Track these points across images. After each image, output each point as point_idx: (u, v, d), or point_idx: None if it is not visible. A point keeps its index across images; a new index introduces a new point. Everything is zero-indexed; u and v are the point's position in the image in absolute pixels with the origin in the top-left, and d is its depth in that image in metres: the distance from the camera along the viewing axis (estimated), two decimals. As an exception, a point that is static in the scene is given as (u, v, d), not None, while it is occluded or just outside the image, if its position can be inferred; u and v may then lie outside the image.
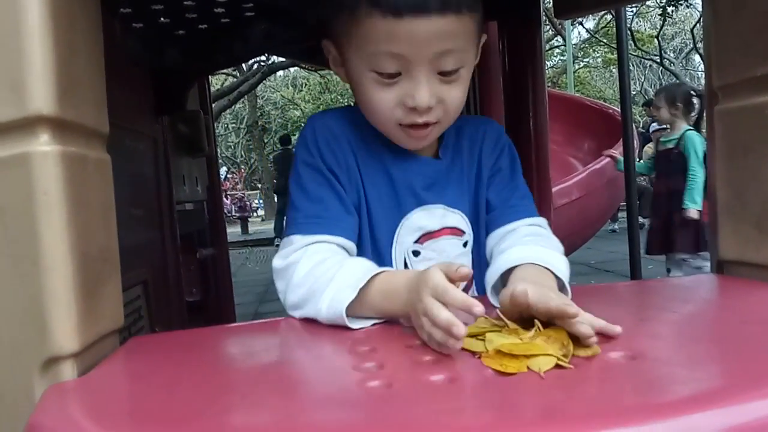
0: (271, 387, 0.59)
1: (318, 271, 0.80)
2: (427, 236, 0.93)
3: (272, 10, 1.72)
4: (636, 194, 3.78)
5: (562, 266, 0.84)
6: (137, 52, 1.81)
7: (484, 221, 0.97)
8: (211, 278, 2.94)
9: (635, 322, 0.72)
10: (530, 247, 0.86)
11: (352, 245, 0.88)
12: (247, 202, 17.51)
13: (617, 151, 4.34)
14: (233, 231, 13.51)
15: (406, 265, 0.92)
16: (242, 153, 24.51)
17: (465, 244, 0.96)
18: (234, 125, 22.73)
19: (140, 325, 1.76)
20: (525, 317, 0.68)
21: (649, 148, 8.65)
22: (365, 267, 0.79)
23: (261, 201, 21.62)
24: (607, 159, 4.65)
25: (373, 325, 0.76)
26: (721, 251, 0.90)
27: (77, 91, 0.69)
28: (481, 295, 0.91)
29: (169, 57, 1.90)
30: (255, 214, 20.44)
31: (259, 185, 22.63)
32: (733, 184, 0.86)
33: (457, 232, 0.95)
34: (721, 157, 0.88)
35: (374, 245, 0.92)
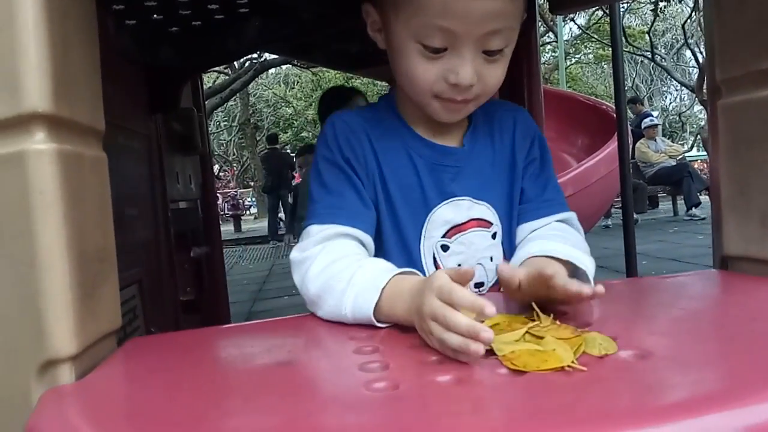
0: (275, 389, 0.57)
1: (335, 268, 0.79)
2: (455, 229, 0.91)
3: (267, 6, 1.70)
4: (631, 190, 3.78)
5: (585, 260, 0.84)
6: (130, 49, 1.79)
7: (517, 212, 0.96)
8: (205, 277, 2.91)
9: (642, 320, 0.71)
10: (552, 242, 0.87)
11: (369, 240, 0.87)
12: (240, 201, 17.46)
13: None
14: (226, 229, 13.43)
15: (435, 261, 0.91)
16: (234, 151, 24.41)
17: (494, 236, 0.94)
18: (226, 123, 22.63)
19: (135, 325, 1.74)
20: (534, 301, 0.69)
21: (642, 144, 8.69)
22: (383, 267, 0.77)
23: (254, 199, 21.54)
24: (603, 154, 4.66)
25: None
26: (726, 247, 0.89)
27: (73, 88, 0.68)
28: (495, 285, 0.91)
29: (163, 54, 1.88)
30: (248, 212, 20.37)
31: (252, 183, 22.55)
32: (737, 180, 0.85)
33: (484, 223, 0.93)
34: (725, 151, 0.87)
35: (402, 242, 0.90)
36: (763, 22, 0.79)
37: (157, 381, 0.63)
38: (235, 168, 24.86)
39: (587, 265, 0.84)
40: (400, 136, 0.92)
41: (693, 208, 7.66)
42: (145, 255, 1.92)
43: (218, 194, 15.83)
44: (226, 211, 15.29)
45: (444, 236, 0.91)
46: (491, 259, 0.93)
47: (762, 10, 0.79)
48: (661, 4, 12.22)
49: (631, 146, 6.35)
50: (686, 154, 10.32)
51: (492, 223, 0.93)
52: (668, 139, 13.81)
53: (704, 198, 8.01)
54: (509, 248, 0.95)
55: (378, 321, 0.73)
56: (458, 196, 0.91)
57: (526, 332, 0.63)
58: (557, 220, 0.94)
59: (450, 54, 0.80)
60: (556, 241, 0.87)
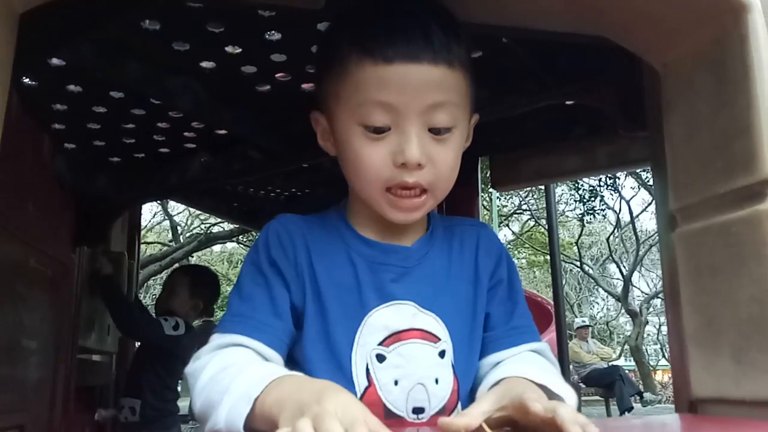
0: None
1: (218, 377, 0.69)
2: (394, 337, 0.79)
3: (215, 143, 1.68)
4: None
5: (565, 391, 0.74)
6: (64, 174, 1.71)
7: (480, 336, 0.84)
8: (107, 448, 2.56)
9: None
10: (525, 367, 0.76)
11: (273, 354, 0.75)
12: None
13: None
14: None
15: (368, 372, 0.77)
16: (166, 326, 23.41)
17: (442, 355, 0.80)
18: (161, 296, 21.96)
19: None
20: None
21: (574, 345, 8.73)
22: (268, 371, 0.67)
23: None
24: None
25: None
26: (694, 389, 0.80)
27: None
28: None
29: (99, 183, 1.80)
30: (169, 391, 19.04)
31: (179, 361, 21.35)
32: (703, 312, 0.79)
33: (430, 337, 0.80)
34: (686, 282, 0.82)
35: (330, 349, 0.78)
36: (714, 149, 0.78)
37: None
38: (163, 343, 23.67)
39: (568, 396, 0.73)
40: (341, 238, 0.84)
41: (626, 413, 7.53)
42: (37, 401, 1.66)
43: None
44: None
45: (381, 344, 0.78)
46: (436, 381, 0.79)
47: (712, 137, 0.79)
48: (587, 218, 13.16)
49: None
50: (615, 363, 10.40)
51: (439, 339, 0.81)
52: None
53: (636, 405, 7.91)
54: (464, 374, 0.82)
55: None
56: (401, 300, 0.81)
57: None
58: (528, 351, 0.83)
59: (394, 133, 0.75)
60: (530, 367, 0.76)
